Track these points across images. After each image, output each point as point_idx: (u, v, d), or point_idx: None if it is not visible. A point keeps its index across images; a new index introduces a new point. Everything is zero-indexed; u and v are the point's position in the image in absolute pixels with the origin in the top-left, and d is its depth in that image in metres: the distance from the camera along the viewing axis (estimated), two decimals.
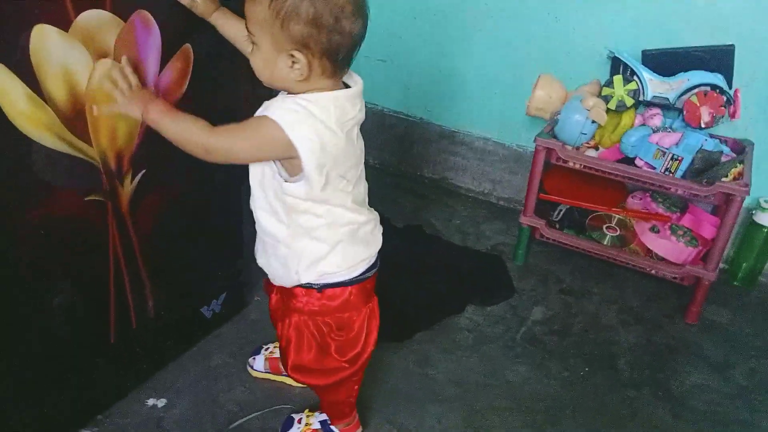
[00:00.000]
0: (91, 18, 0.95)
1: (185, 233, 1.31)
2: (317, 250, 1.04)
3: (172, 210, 1.24)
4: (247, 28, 0.94)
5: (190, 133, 0.96)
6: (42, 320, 1.09)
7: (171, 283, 1.33)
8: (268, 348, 1.43)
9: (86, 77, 0.98)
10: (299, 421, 1.29)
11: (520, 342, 1.58)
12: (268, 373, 1.40)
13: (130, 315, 1.26)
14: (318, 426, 1.27)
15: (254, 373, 1.41)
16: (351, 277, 1.08)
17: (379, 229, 1.13)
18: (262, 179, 1.01)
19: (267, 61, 0.94)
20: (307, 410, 1.31)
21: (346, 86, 0.99)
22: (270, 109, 0.93)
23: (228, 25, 1.11)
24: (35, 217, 1.00)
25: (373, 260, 1.12)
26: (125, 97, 1.00)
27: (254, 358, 1.42)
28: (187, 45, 1.14)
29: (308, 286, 1.07)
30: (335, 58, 0.93)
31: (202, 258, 1.41)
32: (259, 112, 0.95)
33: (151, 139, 1.12)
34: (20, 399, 1.10)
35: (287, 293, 1.12)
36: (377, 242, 1.13)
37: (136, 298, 1.25)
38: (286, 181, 0.97)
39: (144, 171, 1.15)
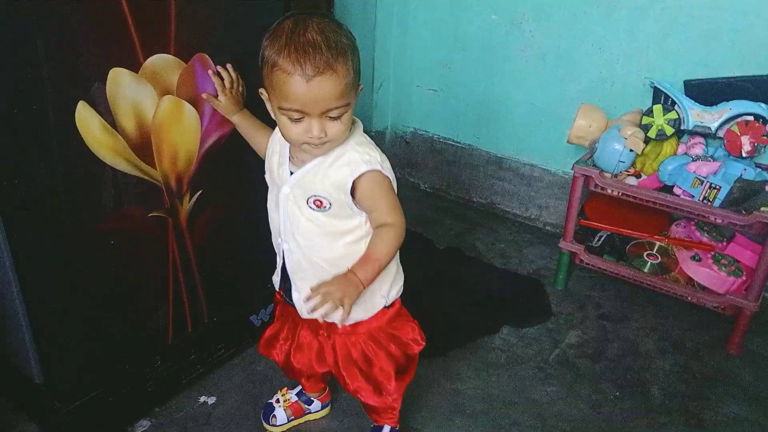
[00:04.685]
0: (157, 61, 1.12)
1: (236, 247, 1.46)
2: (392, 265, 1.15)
3: (224, 225, 1.39)
4: (334, 109, 0.94)
5: (395, 246, 1.06)
6: (111, 318, 1.26)
7: (223, 292, 1.48)
8: (279, 400, 1.42)
9: (153, 110, 1.15)
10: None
11: (552, 364, 1.62)
12: (293, 420, 1.41)
13: (186, 319, 1.41)
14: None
15: (279, 429, 1.40)
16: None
17: None
18: (347, 231, 1.08)
19: (352, 114, 0.99)
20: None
21: None
22: (378, 164, 1.02)
23: (246, 126, 1.21)
24: (106, 228, 1.17)
25: None
26: (338, 303, 0.99)
27: (274, 416, 1.40)
28: (242, 81, 1.29)
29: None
30: None
31: (252, 270, 1.54)
32: (363, 169, 1.01)
33: (206, 165, 1.29)
34: (95, 385, 1.27)
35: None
36: None
37: (191, 304, 1.41)
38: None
39: (200, 191, 1.30)
